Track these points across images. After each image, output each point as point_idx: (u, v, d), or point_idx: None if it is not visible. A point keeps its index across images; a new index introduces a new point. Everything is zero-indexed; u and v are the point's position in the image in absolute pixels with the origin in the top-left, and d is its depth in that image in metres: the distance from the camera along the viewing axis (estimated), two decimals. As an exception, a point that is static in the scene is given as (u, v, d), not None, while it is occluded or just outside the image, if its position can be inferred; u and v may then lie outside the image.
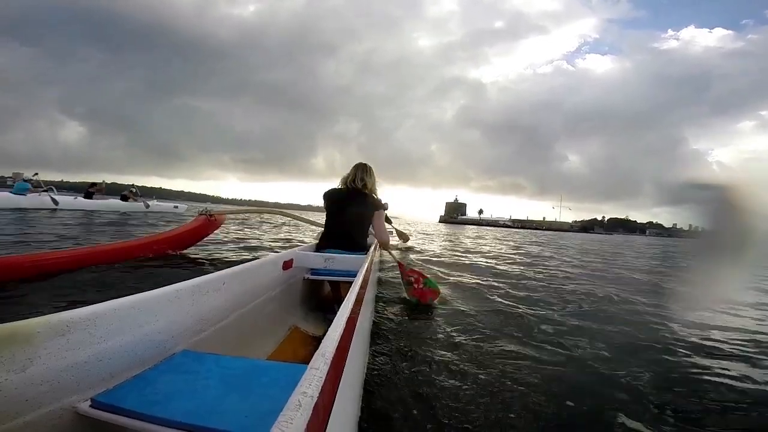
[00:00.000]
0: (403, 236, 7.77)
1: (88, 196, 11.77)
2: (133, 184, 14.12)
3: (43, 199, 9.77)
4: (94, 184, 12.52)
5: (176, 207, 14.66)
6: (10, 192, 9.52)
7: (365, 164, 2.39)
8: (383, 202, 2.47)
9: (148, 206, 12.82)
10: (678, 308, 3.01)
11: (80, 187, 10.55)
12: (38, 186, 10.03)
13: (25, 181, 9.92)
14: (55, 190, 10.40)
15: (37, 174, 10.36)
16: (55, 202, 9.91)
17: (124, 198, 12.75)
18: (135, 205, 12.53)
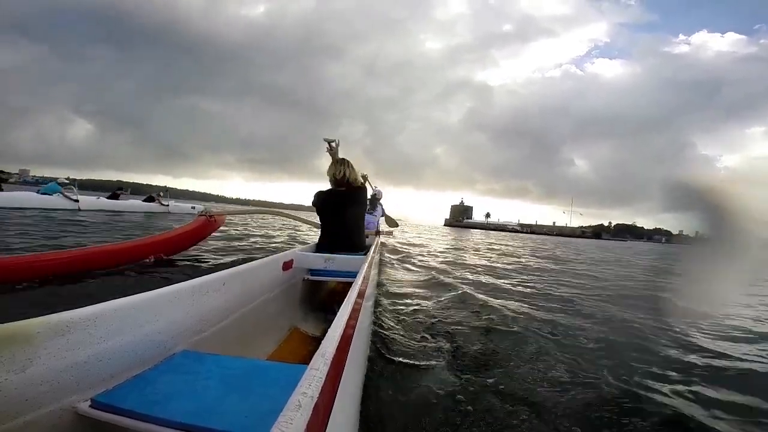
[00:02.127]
0: (392, 223, 7.76)
1: (114, 197, 12.20)
2: (165, 186, 14.45)
3: (64, 201, 9.84)
4: (120, 188, 13.22)
5: (194, 208, 14.52)
6: (37, 192, 9.71)
7: (344, 159, 2.35)
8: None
9: (167, 206, 13.11)
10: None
11: (88, 184, 10.62)
12: (71, 190, 10.11)
13: (59, 184, 10.06)
14: (74, 190, 10.46)
15: (68, 178, 10.55)
16: (77, 206, 9.96)
17: (150, 199, 13.19)
18: (152, 206, 12.78)
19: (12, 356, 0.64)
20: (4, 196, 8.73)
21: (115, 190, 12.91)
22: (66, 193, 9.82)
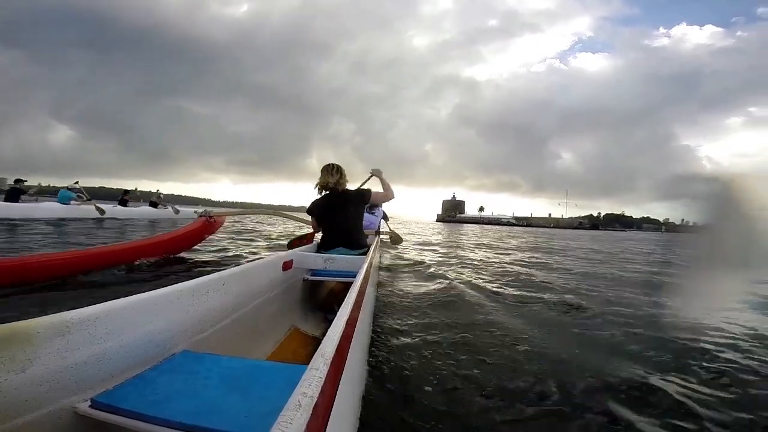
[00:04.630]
0: (397, 239, 7.62)
1: (123, 203, 11.96)
2: (158, 190, 14.21)
3: (87, 209, 9.69)
4: (127, 192, 12.73)
5: (195, 212, 14.39)
6: (55, 201, 9.56)
7: (333, 165, 2.31)
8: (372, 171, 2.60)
9: (177, 212, 12.83)
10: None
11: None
12: (81, 195, 9.90)
13: (69, 189, 9.81)
14: (84, 196, 10.13)
15: (77, 182, 10.29)
16: (101, 211, 9.77)
17: (153, 205, 12.95)
18: (165, 212, 12.64)
19: (12, 356, 0.64)
20: (30, 207, 8.59)
21: (122, 195, 12.41)
22: (79, 200, 9.65)
